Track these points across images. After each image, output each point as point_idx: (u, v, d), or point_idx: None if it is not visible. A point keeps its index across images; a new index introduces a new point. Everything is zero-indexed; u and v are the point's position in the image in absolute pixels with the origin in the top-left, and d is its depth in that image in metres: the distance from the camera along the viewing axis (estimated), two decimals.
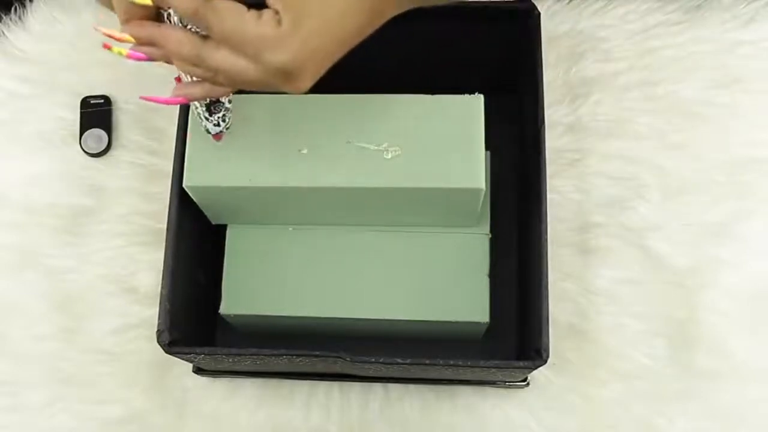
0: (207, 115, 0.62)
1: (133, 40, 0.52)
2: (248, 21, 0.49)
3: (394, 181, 0.66)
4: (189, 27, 0.52)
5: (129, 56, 0.53)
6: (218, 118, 0.62)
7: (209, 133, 0.64)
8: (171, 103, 0.57)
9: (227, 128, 0.64)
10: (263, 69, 0.50)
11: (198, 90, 0.55)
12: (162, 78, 0.90)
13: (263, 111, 0.68)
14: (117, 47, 0.53)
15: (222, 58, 0.50)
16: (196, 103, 0.61)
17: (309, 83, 0.52)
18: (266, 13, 0.49)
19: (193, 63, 0.51)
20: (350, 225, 0.75)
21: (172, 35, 0.51)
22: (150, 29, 0.52)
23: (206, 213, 0.74)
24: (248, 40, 0.49)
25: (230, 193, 0.68)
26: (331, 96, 0.67)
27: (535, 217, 0.70)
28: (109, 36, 0.52)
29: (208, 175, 0.67)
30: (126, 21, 0.52)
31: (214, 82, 0.53)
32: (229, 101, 0.62)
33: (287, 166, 0.67)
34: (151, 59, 0.53)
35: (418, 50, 0.76)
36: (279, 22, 0.49)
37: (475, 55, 0.78)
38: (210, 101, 0.61)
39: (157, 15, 0.53)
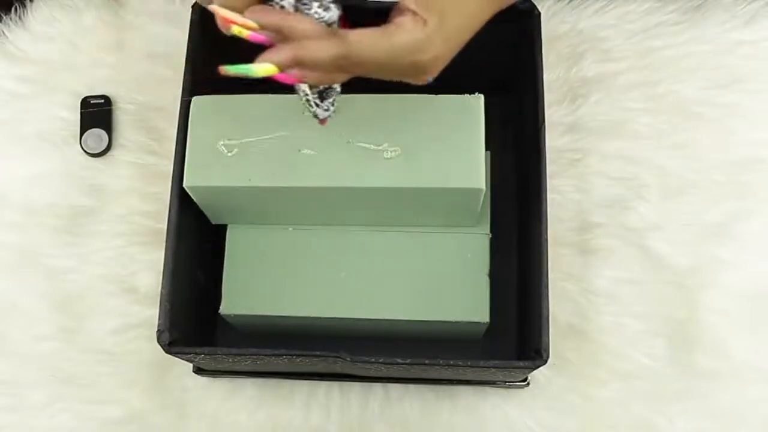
0: (318, 101, 0.61)
1: (256, 26, 0.52)
2: (394, 34, 0.52)
3: (394, 181, 0.66)
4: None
5: (249, 38, 0.53)
6: (329, 103, 0.62)
7: (317, 117, 0.63)
8: (286, 82, 0.56)
9: (334, 112, 0.63)
10: (401, 66, 0.53)
11: (316, 75, 0.54)
12: (162, 78, 0.91)
13: (263, 111, 0.68)
14: (237, 27, 0.52)
15: (356, 52, 0.52)
16: (306, 89, 0.60)
17: (437, 74, 0.56)
18: (406, 20, 0.52)
19: (317, 54, 0.51)
20: (350, 225, 0.75)
21: (299, 25, 0.51)
22: (277, 17, 0.52)
23: (206, 213, 0.74)
24: (398, 50, 0.52)
25: (230, 193, 0.68)
26: None
27: (535, 217, 0.70)
28: (231, 21, 0.52)
29: (208, 175, 0.67)
30: (235, 5, 0.52)
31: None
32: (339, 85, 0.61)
33: (287, 166, 0.67)
34: (270, 44, 0.53)
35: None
36: (425, 24, 0.52)
37: (475, 55, 0.78)
38: (323, 87, 0.60)
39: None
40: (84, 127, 0.90)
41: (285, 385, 0.82)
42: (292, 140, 0.67)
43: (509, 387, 0.80)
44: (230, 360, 0.71)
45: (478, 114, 0.67)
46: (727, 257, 0.84)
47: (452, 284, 0.73)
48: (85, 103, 0.91)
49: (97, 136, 0.90)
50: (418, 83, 0.56)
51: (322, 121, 0.64)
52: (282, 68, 0.52)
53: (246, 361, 0.71)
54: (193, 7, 0.74)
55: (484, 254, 0.74)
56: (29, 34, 0.93)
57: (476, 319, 0.73)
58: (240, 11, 0.52)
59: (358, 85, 0.66)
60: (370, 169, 0.66)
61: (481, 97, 0.67)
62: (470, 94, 0.67)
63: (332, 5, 0.54)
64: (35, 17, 0.94)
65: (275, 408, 0.82)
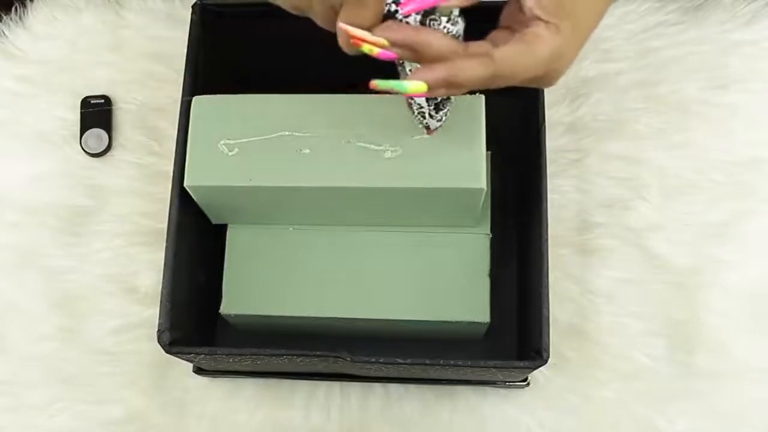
0: (434, 112, 0.61)
1: (386, 43, 0.51)
2: (536, 46, 0.51)
3: (395, 181, 0.66)
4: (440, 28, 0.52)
5: (379, 55, 0.52)
6: (443, 113, 0.61)
7: (428, 128, 0.63)
8: (414, 96, 0.56)
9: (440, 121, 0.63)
10: (539, 77, 0.53)
11: (443, 91, 0.53)
12: (162, 77, 0.90)
13: (264, 111, 0.68)
14: (368, 46, 0.51)
15: (485, 67, 0.51)
16: (422, 102, 0.60)
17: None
18: (541, 30, 0.51)
19: (470, 74, 0.51)
20: (350, 225, 0.75)
21: (436, 42, 0.51)
22: (410, 33, 0.51)
23: (207, 212, 0.74)
24: (542, 61, 0.52)
25: (231, 192, 0.69)
26: (331, 96, 0.67)
27: (535, 217, 0.70)
28: (361, 39, 0.51)
29: (208, 174, 0.67)
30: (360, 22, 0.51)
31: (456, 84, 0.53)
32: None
33: (288, 165, 0.67)
34: (401, 59, 0.53)
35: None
36: (557, 30, 0.51)
37: None
38: (441, 98, 0.60)
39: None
40: (84, 127, 0.90)
41: (285, 385, 0.82)
42: (293, 140, 0.67)
43: (509, 387, 0.80)
44: (230, 360, 0.71)
45: (479, 114, 0.67)
46: (727, 257, 0.84)
47: (452, 284, 0.73)
48: (85, 103, 0.91)
49: (97, 136, 0.90)
50: (546, 87, 0.56)
51: (431, 131, 0.64)
52: (432, 87, 0.51)
53: (246, 361, 0.71)
54: (193, 7, 0.74)
55: (484, 254, 0.74)
56: (29, 34, 0.93)
57: (476, 319, 0.73)
58: (367, 29, 0.51)
59: (357, 85, 0.67)
60: (370, 169, 0.66)
61: (482, 97, 0.67)
62: (471, 94, 0.67)
63: (459, 19, 0.53)
64: (35, 17, 0.94)
65: (275, 408, 0.82)
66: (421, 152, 0.66)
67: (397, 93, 0.52)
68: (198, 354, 0.68)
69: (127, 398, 0.82)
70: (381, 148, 0.66)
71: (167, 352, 0.66)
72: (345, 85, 0.66)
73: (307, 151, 0.67)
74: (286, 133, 0.68)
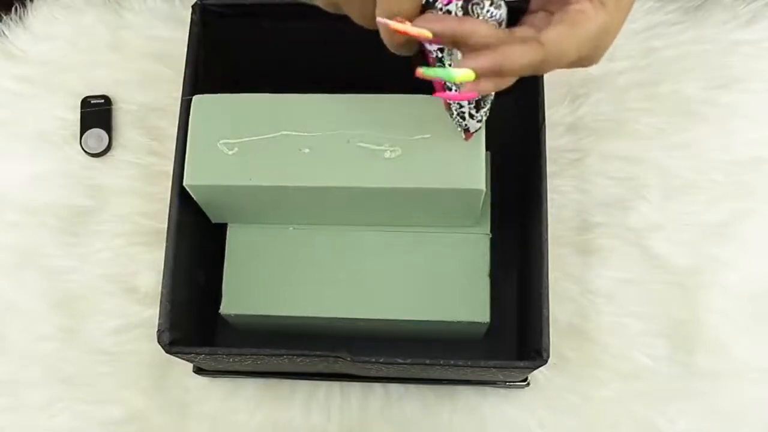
0: (474, 111, 0.59)
1: (430, 35, 0.49)
2: (582, 25, 0.50)
3: (395, 181, 0.66)
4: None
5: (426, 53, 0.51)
6: (483, 113, 0.60)
7: (468, 130, 0.62)
8: (465, 99, 0.55)
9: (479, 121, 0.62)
10: (586, 55, 0.51)
11: (490, 84, 0.52)
12: (162, 77, 0.90)
13: (264, 110, 0.68)
14: (415, 33, 0.50)
15: (531, 50, 0.50)
16: (462, 101, 0.59)
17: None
18: (586, 6, 0.50)
19: (518, 60, 0.49)
20: (350, 225, 0.75)
21: (480, 30, 0.49)
22: (451, 23, 0.49)
23: (207, 212, 0.74)
24: (591, 39, 0.50)
25: (230, 192, 0.68)
26: (331, 96, 0.67)
27: (535, 217, 0.70)
28: (403, 32, 0.49)
29: (208, 174, 0.67)
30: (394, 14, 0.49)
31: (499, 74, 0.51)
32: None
33: (288, 165, 0.67)
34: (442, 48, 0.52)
35: (419, 50, 0.76)
36: (602, 4, 0.50)
37: None
38: (482, 96, 0.58)
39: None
40: (84, 127, 0.90)
41: (285, 385, 0.82)
42: (293, 139, 0.67)
43: (509, 387, 0.80)
44: (230, 360, 0.71)
45: None
46: (727, 257, 0.84)
47: (452, 284, 0.73)
48: (85, 103, 0.91)
49: (97, 136, 0.90)
50: (589, 66, 0.54)
51: (469, 135, 0.63)
52: (479, 75, 0.49)
53: (246, 361, 0.70)
54: (193, 7, 0.74)
55: (484, 254, 0.74)
56: (29, 34, 0.93)
57: (477, 319, 0.73)
58: (407, 20, 0.50)
59: (358, 84, 0.67)
60: (370, 169, 0.66)
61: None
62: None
63: (502, 2, 0.51)
64: (35, 17, 0.94)
65: (275, 408, 0.82)
66: (421, 152, 0.66)
67: (443, 81, 0.51)
68: (198, 354, 0.68)
69: (127, 398, 0.82)
70: (381, 148, 0.66)
71: (167, 352, 0.66)
72: (345, 85, 0.66)
73: (307, 150, 0.67)
74: (286, 132, 0.67)
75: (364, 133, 0.67)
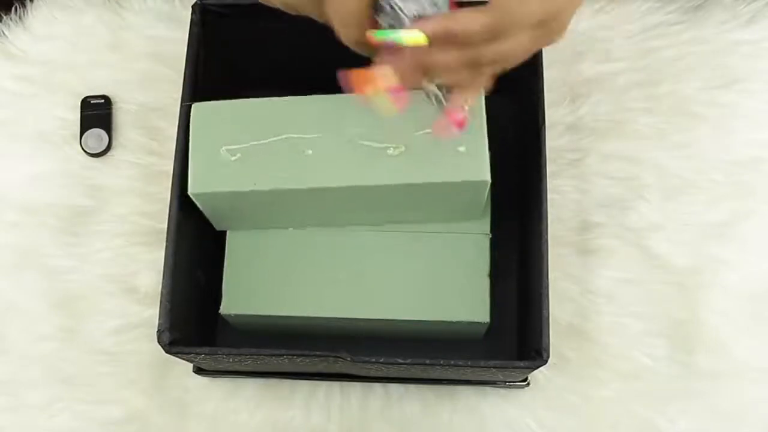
0: (447, 92, 0.59)
1: (425, 39, 0.50)
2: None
3: (400, 177, 0.66)
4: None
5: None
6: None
7: (459, 124, 0.61)
8: (456, 123, 0.57)
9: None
10: (549, 27, 0.50)
11: (467, 77, 0.52)
12: (162, 77, 0.90)
13: (264, 115, 0.68)
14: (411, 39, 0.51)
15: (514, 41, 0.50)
16: (432, 87, 0.59)
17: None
18: None
19: (469, 25, 0.49)
20: (355, 225, 0.75)
21: (462, 16, 0.49)
22: (442, 20, 0.50)
23: (211, 220, 0.74)
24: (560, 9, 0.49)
25: (236, 198, 0.68)
26: (331, 96, 0.67)
27: (535, 217, 0.70)
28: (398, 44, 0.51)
29: (212, 181, 0.67)
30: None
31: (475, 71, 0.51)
32: None
33: (292, 168, 0.67)
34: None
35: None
36: None
37: None
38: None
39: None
40: (84, 127, 0.90)
41: (285, 385, 0.82)
42: (295, 142, 0.67)
43: (509, 387, 0.80)
44: (230, 360, 0.71)
45: (480, 111, 0.67)
46: (727, 257, 0.84)
47: (452, 284, 0.73)
48: (85, 103, 0.91)
49: (97, 136, 0.90)
50: (557, 38, 0.53)
51: (460, 125, 0.62)
52: (431, 39, 0.50)
53: (246, 361, 0.71)
54: (193, 7, 0.74)
55: (484, 254, 0.74)
56: (29, 34, 0.93)
57: (476, 319, 0.73)
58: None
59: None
60: (375, 167, 0.66)
61: (482, 96, 0.67)
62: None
63: None
64: (35, 17, 0.94)
65: (275, 408, 0.82)
66: (424, 148, 0.66)
67: (393, 44, 0.51)
68: (198, 354, 0.68)
69: (127, 398, 0.82)
70: (383, 145, 0.66)
71: (167, 352, 0.66)
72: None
73: (310, 152, 0.67)
74: (288, 135, 0.68)
75: (365, 131, 0.67)
